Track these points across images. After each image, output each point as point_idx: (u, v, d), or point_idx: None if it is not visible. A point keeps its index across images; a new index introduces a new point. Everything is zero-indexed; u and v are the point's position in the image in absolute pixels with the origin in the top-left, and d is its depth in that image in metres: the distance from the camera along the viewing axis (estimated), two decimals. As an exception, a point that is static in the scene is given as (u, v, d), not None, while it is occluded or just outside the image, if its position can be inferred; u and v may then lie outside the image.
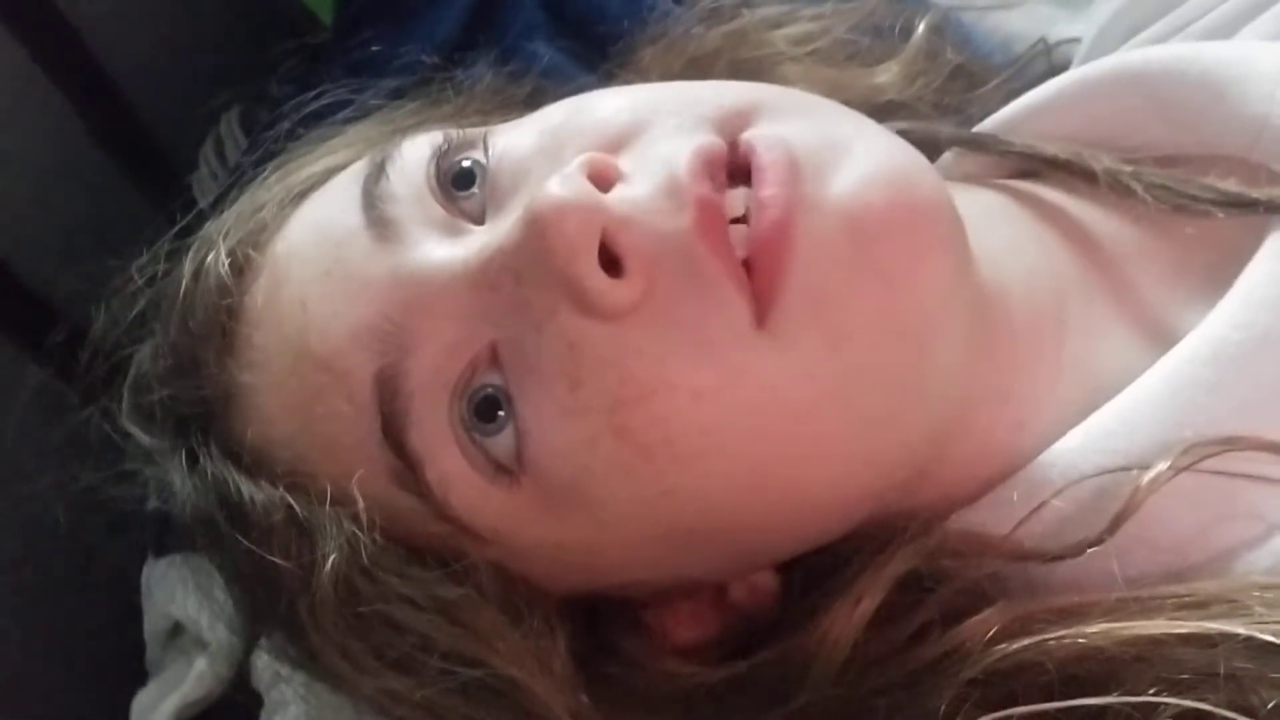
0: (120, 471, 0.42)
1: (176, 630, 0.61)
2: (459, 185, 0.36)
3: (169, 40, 0.90)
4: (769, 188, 0.32)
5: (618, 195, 0.33)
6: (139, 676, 0.64)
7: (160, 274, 0.43)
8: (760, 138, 0.33)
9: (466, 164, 0.36)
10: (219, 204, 0.43)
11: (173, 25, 0.91)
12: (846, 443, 0.34)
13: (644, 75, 0.50)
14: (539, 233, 0.32)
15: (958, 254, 0.34)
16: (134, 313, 0.43)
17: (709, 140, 0.33)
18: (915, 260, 0.33)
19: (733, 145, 0.34)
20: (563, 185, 0.32)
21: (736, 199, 0.33)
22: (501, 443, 0.34)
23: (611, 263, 0.32)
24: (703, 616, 0.40)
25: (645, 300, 0.32)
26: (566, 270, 0.32)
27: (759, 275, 0.32)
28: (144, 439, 0.41)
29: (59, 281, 0.79)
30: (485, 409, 0.34)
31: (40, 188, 0.81)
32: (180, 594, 0.60)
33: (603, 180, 0.33)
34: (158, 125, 0.92)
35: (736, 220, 0.33)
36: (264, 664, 0.54)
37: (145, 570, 0.63)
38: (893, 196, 0.33)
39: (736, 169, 0.34)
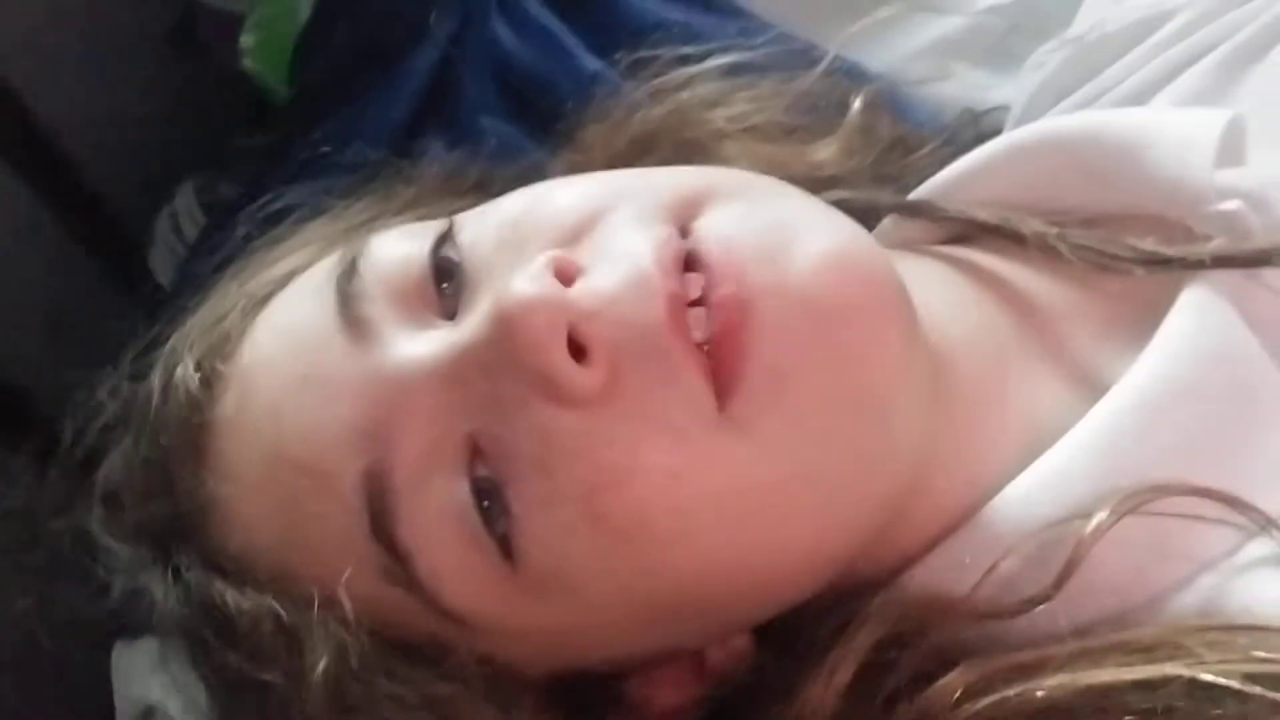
0: (99, 587, 0.42)
1: (149, 715, 0.61)
2: (439, 280, 0.37)
3: (125, 114, 0.91)
4: (721, 285, 0.33)
5: (581, 288, 0.34)
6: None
7: (127, 385, 0.43)
8: (709, 233, 0.35)
9: (442, 260, 0.37)
10: (176, 315, 0.44)
11: (128, 98, 0.91)
12: (817, 515, 0.35)
13: (588, 153, 0.51)
14: (508, 331, 0.33)
15: (907, 323, 0.35)
16: (101, 426, 0.43)
17: (667, 232, 0.35)
18: (871, 336, 0.34)
19: (684, 231, 0.35)
20: (530, 283, 0.33)
21: (692, 283, 0.34)
22: (499, 529, 0.35)
23: (576, 351, 0.33)
24: (683, 682, 0.40)
25: (612, 387, 0.33)
26: (537, 364, 0.33)
27: (720, 364, 0.33)
28: (121, 552, 0.41)
29: (21, 362, 0.80)
30: (479, 497, 0.35)
31: (3, 271, 0.81)
32: (152, 677, 0.59)
33: (565, 276, 0.34)
34: (116, 200, 0.92)
35: (694, 303, 0.34)
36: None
37: (114, 655, 0.63)
38: (846, 275, 0.34)
39: (689, 255, 0.35)
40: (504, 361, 0.34)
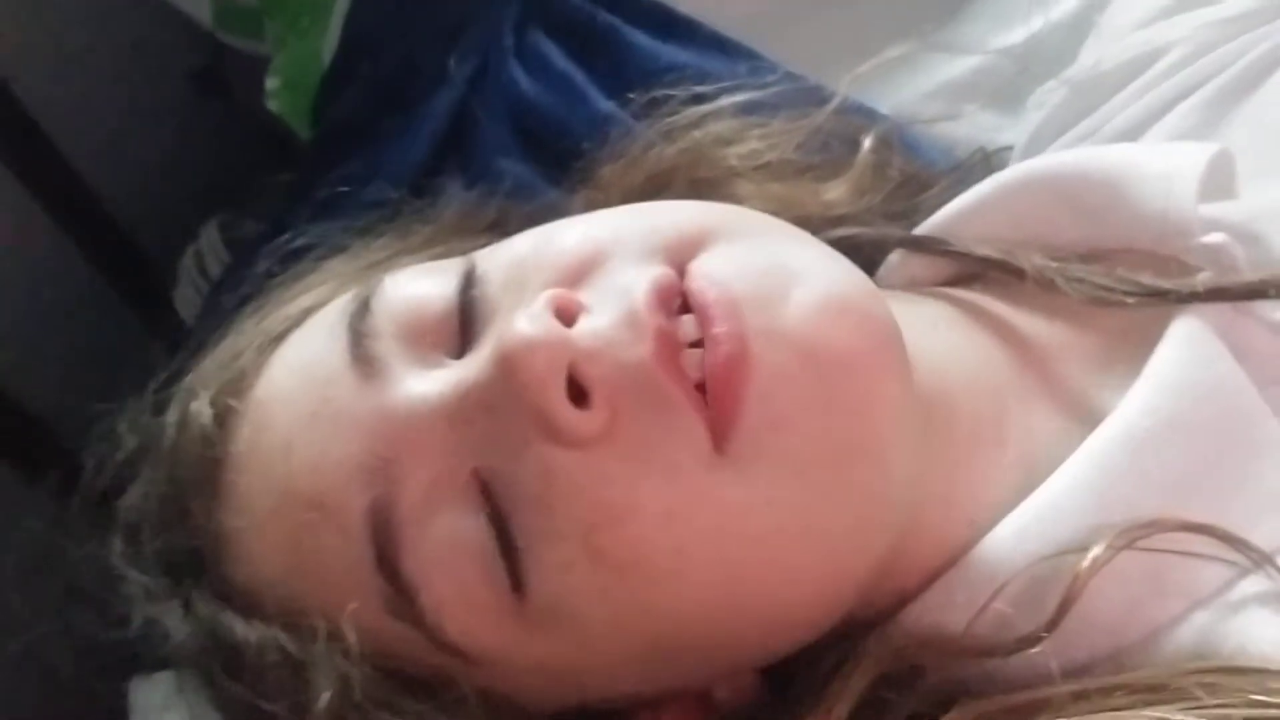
0: (117, 618, 0.43)
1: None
2: (464, 319, 0.38)
3: (152, 153, 0.93)
4: (717, 325, 0.34)
5: (581, 328, 0.34)
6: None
7: (148, 420, 0.44)
8: (702, 273, 0.35)
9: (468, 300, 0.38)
10: (199, 348, 0.45)
11: (156, 138, 0.93)
12: (813, 561, 0.35)
13: (605, 191, 0.52)
14: (510, 370, 0.34)
15: (902, 370, 0.36)
16: (122, 458, 0.44)
17: (662, 272, 0.35)
18: (871, 384, 0.34)
19: (681, 271, 0.36)
20: (531, 323, 0.34)
21: (691, 325, 0.35)
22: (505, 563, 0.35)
23: (578, 393, 0.34)
24: (690, 719, 0.40)
25: (611, 427, 0.34)
26: (537, 404, 0.33)
27: (716, 405, 0.34)
28: (139, 580, 0.42)
29: (48, 399, 0.81)
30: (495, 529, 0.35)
31: (33, 308, 0.83)
32: (168, 711, 0.60)
33: (567, 315, 0.35)
34: (142, 238, 0.93)
35: (695, 344, 0.35)
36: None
37: (131, 690, 0.63)
38: (846, 324, 0.35)
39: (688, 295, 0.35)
40: (506, 401, 0.34)
